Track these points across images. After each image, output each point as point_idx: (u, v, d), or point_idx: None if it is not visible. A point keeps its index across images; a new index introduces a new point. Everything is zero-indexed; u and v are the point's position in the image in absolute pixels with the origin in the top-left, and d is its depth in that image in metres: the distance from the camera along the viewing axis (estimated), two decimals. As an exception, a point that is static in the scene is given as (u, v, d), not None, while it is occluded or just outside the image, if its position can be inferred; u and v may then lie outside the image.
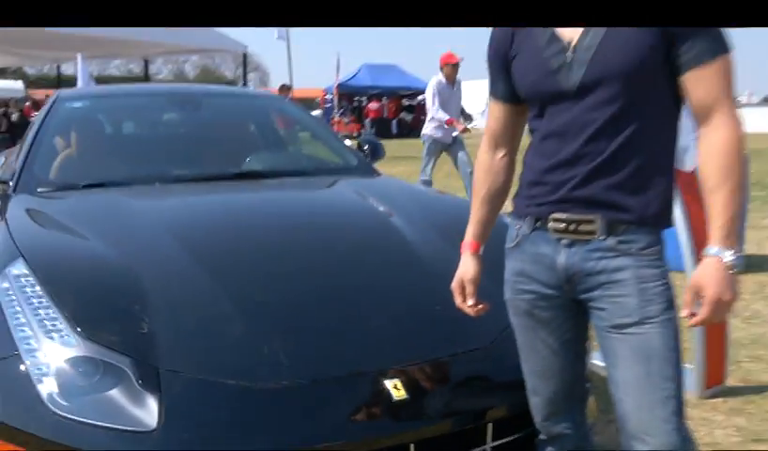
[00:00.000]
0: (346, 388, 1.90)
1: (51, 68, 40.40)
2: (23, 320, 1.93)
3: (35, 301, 1.98)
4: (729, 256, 1.56)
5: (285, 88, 14.64)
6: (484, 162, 1.94)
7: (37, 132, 3.40)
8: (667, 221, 1.71)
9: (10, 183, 3.13)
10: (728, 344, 3.44)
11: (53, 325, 1.91)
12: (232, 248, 2.51)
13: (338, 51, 41.81)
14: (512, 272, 1.86)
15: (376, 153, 4.13)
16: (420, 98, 36.23)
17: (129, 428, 1.71)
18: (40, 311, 1.95)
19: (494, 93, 1.89)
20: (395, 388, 1.88)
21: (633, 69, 1.58)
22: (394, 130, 33.70)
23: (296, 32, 17.85)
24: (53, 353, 1.84)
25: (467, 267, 1.95)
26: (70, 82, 49.97)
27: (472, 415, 1.98)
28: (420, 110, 35.76)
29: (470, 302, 1.94)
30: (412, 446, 1.83)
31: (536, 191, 1.77)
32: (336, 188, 3.43)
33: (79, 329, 1.89)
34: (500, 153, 1.93)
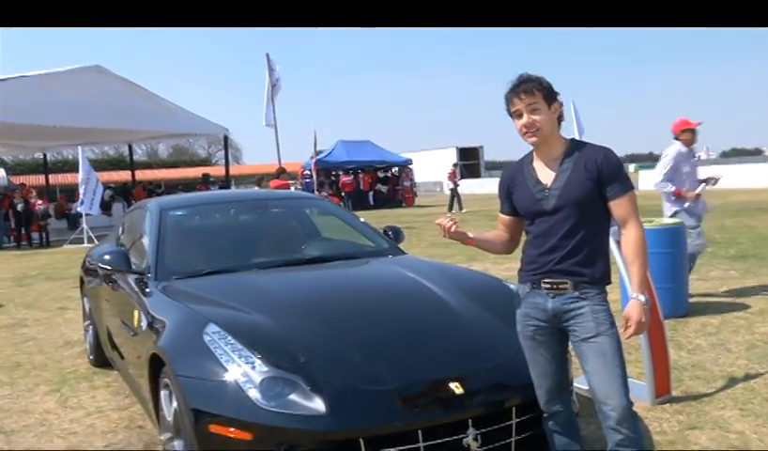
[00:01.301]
0: (428, 388, 3.17)
1: (25, 154, 41.61)
2: (227, 357, 3.17)
3: (232, 345, 3.23)
4: (642, 298, 2.89)
5: (281, 170, 15.89)
6: (499, 235, 3.30)
7: (158, 236, 4.65)
8: (607, 280, 3.04)
9: (148, 274, 4.38)
10: (669, 365, 4.74)
11: (249, 359, 3.15)
12: (331, 308, 3.82)
13: (315, 128, 43.20)
14: (521, 315, 3.17)
15: (398, 237, 5.44)
16: (394, 170, 37.89)
17: (308, 414, 2.94)
18: (237, 351, 3.19)
19: (502, 211, 3.23)
20: (456, 387, 3.15)
21: (582, 199, 2.94)
22: (371, 201, 35.06)
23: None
24: (252, 375, 3.08)
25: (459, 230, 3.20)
26: (58, 166, 50.46)
27: (502, 402, 3.25)
28: (394, 181, 37.34)
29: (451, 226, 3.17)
30: (470, 421, 3.08)
31: (531, 267, 3.10)
32: (380, 265, 4.74)
33: (265, 360, 3.14)
34: (507, 237, 3.27)
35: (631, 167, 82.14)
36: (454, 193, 27.03)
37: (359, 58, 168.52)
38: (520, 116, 2.98)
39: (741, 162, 48.57)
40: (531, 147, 3.09)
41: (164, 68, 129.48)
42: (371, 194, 35.79)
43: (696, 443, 3.96)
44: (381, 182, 37.46)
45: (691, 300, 7.42)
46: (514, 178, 3.16)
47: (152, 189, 31.09)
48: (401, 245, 5.33)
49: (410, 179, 37.30)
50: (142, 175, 40.16)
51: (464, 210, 25.28)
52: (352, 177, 35.37)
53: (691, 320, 6.76)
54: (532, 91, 2.95)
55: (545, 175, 3.04)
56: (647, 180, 39.60)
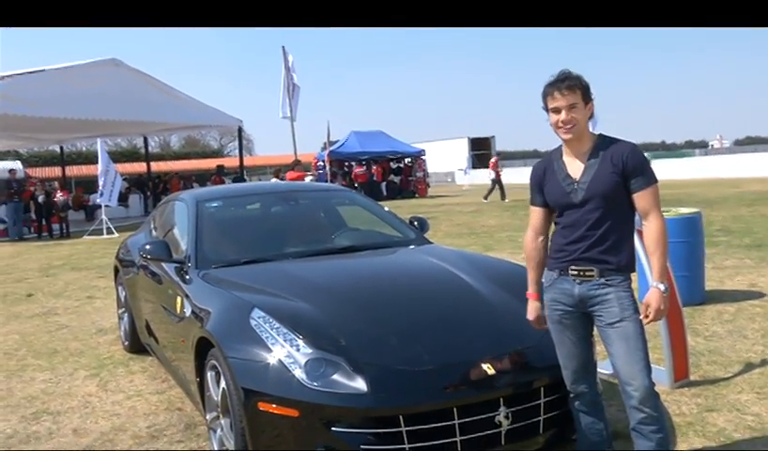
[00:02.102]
0: (463, 368, 3.35)
1: (40, 147, 42.03)
2: (272, 340, 3.38)
3: (277, 329, 3.43)
4: (662, 286, 3.07)
5: (296, 162, 16.14)
6: (531, 242, 3.45)
7: (196, 226, 4.87)
8: (632, 268, 3.22)
9: (188, 263, 4.59)
10: (687, 351, 4.92)
11: (293, 341, 3.35)
12: (367, 294, 4.03)
13: (328, 120, 43.48)
14: (549, 299, 3.35)
15: (424, 227, 5.63)
16: (406, 160, 38.00)
17: (351, 392, 3.15)
18: (282, 334, 3.39)
19: (534, 203, 3.41)
20: (489, 368, 3.34)
21: (608, 192, 3.12)
22: (384, 192, 35.20)
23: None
24: (297, 356, 3.28)
25: (535, 307, 3.46)
26: (73, 158, 50.86)
27: (532, 382, 3.44)
28: (407, 172, 37.47)
29: (541, 325, 3.44)
30: (501, 399, 3.27)
31: (560, 255, 3.28)
32: (408, 254, 4.94)
33: (309, 343, 3.34)
34: (540, 238, 3.44)
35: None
36: (496, 182, 26.73)
37: (372, 49, 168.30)
38: (558, 112, 3.15)
39: (756, 150, 48.29)
40: (561, 142, 3.28)
41: (178, 60, 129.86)
42: (384, 184, 35.90)
43: (713, 424, 4.14)
44: (394, 173, 37.60)
45: (707, 288, 7.59)
46: (546, 171, 3.35)
47: (186, 180, 31.44)
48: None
49: (423, 170, 37.42)
50: (155, 166, 40.44)
51: (506, 200, 25.01)
52: (365, 167, 35.51)
53: (707, 308, 6.92)
54: (574, 89, 3.12)
55: (575, 169, 3.22)
56: (659, 169, 39.27)
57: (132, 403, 5.10)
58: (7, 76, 20.73)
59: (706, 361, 5.31)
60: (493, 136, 53.90)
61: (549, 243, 3.41)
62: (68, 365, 6.24)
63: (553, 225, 3.41)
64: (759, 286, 7.91)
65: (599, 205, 3.14)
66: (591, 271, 3.18)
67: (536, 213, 3.43)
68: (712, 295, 7.42)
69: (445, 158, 52.04)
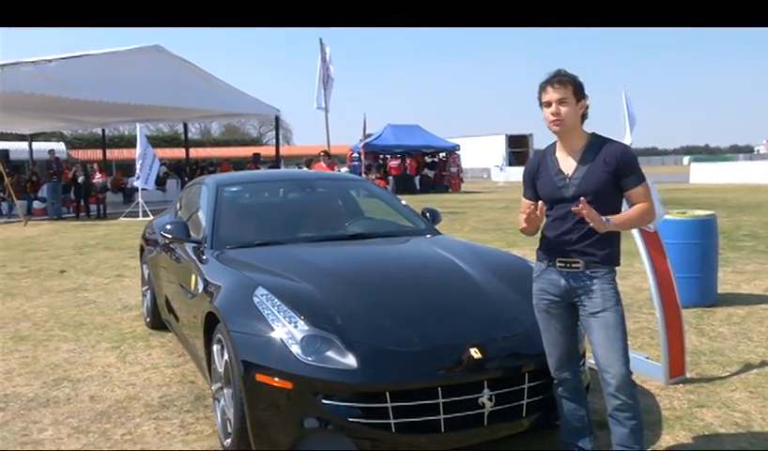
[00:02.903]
0: (450, 351, 3.53)
1: (84, 129, 42.91)
2: (273, 316, 3.59)
3: (278, 307, 3.64)
4: (607, 221, 3.17)
5: (326, 154, 16.33)
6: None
7: (214, 210, 5.11)
8: (616, 261, 3.36)
9: (204, 243, 4.83)
10: (684, 348, 5.02)
11: (292, 319, 3.56)
12: (368, 278, 4.23)
13: (364, 112, 43.61)
14: (536, 289, 3.51)
15: (435, 218, 5.80)
16: (441, 155, 38.05)
17: (342, 368, 3.34)
18: (283, 312, 3.60)
19: (526, 196, 3.56)
20: (476, 352, 3.51)
21: (599, 189, 3.27)
22: (417, 186, 35.35)
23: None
24: (295, 332, 3.48)
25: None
26: (114, 142, 51.83)
27: (517, 367, 3.60)
28: (441, 166, 37.53)
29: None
30: (485, 382, 3.44)
31: (548, 247, 3.43)
32: (416, 243, 5.13)
33: (307, 321, 3.55)
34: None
35: (685, 159, 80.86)
36: None
37: (410, 43, 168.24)
38: (549, 105, 3.32)
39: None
40: (555, 138, 3.43)
41: (218, 48, 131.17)
42: (417, 178, 36.02)
43: (701, 419, 4.26)
44: (428, 167, 37.65)
45: (722, 291, 7.64)
46: (539, 166, 3.50)
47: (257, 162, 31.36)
48: (438, 226, 5.69)
49: (457, 165, 37.45)
50: (195, 153, 41.07)
51: None
52: (399, 161, 35.66)
53: (718, 310, 6.99)
54: (565, 84, 3.29)
55: (567, 165, 3.38)
56: (698, 173, 39.23)
57: (148, 375, 5.36)
58: (54, 60, 21.29)
59: (706, 360, 5.41)
60: (531, 134, 53.65)
61: (540, 236, 3.56)
62: (91, 338, 6.55)
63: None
64: (774, 291, 7.92)
65: (590, 200, 3.27)
66: (578, 262, 3.34)
67: (527, 205, 3.58)
68: (725, 298, 7.47)
69: (481, 154, 51.99)
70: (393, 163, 35.53)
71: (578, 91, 3.33)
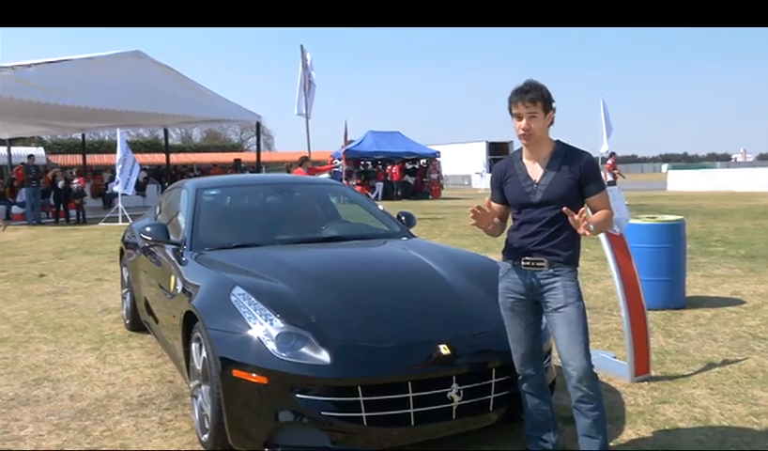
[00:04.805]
0: (420, 347, 3.68)
1: (63, 134, 42.85)
2: (249, 315, 3.72)
3: (254, 305, 3.77)
4: (592, 226, 3.31)
5: (304, 159, 16.39)
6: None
7: (193, 212, 5.22)
8: (577, 262, 3.54)
9: (184, 245, 4.95)
10: (649, 348, 5.20)
11: (268, 317, 3.69)
12: (342, 278, 4.37)
13: (345, 119, 43.60)
14: (502, 288, 3.67)
15: (410, 222, 5.95)
16: (421, 162, 38.26)
17: (316, 363, 3.48)
18: (259, 310, 3.73)
19: (493, 199, 3.72)
20: (444, 348, 3.66)
21: (565, 194, 3.45)
22: (399, 192, 35.53)
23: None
24: (270, 330, 3.62)
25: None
26: (95, 147, 51.53)
27: (485, 363, 3.76)
28: (421, 173, 37.75)
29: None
30: (454, 377, 3.59)
31: (514, 248, 3.60)
32: (390, 245, 5.28)
33: (282, 318, 3.68)
34: (497, 221, 3.74)
35: (663, 167, 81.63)
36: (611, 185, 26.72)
37: (391, 49, 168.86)
38: (520, 118, 3.49)
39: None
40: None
41: (200, 54, 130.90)
42: (396, 184, 36.19)
43: (663, 414, 4.43)
44: (408, 174, 37.89)
45: (691, 294, 7.85)
46: (506, 171, 3.67)
47: (204, 173, 31.91)
48: (418, 232, 5.84)
49: (437, 172, 37.71)
50: (176, 158, 41.09)
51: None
52: (381, 167, 35.88)
53: (686, 312, 7.19)
54: (536, 101, 3.45)
55: (534, 171, 3.55)
56: (676, 180, 39.74)
57: (128, 375, 5.46)
58: (34, 64, 21.27)
59: (671, 359, 5.59)
60: (511, 141, 53.87)
61: (507, 237, 3.72)
62: (71, 339, 6.63)
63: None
64: (741, 294, 8.15)
65: (555, 205, 3.45)
66: (542, 261, 3.50)
67: (494, 209, 3.75)
68: (693, 301, 7.67)
69: (462, 161, 52.25)
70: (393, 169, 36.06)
71: (547, 105, 3.49)
